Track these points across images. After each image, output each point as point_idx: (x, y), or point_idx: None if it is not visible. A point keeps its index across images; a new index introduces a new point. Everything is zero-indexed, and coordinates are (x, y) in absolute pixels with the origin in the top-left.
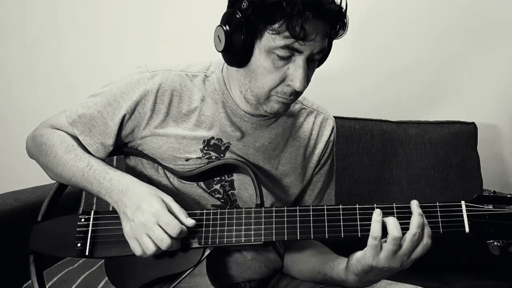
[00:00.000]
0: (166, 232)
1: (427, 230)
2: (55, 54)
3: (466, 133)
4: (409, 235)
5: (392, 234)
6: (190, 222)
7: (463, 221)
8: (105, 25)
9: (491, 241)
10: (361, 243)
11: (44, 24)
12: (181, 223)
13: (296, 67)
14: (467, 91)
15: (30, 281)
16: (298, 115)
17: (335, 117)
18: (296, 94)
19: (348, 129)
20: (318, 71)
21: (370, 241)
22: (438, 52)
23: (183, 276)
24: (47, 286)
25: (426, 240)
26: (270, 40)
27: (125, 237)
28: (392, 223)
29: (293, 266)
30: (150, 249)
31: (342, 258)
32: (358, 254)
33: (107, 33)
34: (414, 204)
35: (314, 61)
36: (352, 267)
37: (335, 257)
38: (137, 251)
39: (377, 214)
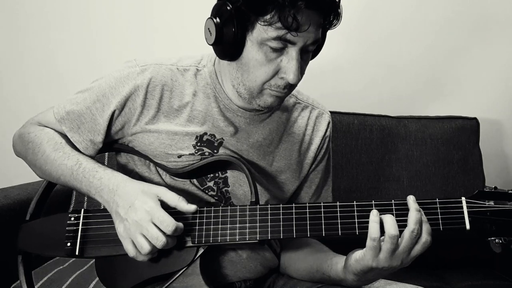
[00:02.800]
0: (161, 230)
1: (426, 227)
2: (44, 48)
3: (468, 128)
4: (407, 231)
5: (389, 232)
6: (192, 207)
7: (463, 217)
8: (96, 18)
9: (493, 238)
10: (360, 240)
11: (33, 18)
12: (182, 211)
13: (289, 59)
14: (469, 86)
15: (19, 281)
16: (293, 110)
17: (333, 112)
18: (290, 87)
19: (347, 125)
20: (315, 65)
21: (369, 242)
22: (439, 45)
23: (176, 276)
24: (36, 286)
25: (425, 238)
26: (262, 32)
27: (116, 236)
28: (389, 221)
29: (290, 265)
30: (145, 248)
31: (340, 257)
32: (357, 255)
33: (98, 27)
34: (411, 200)
35: (308, 53)
36: (351, 267)
37: (333, 256)
38: (131, 252)
39: (374, 215)
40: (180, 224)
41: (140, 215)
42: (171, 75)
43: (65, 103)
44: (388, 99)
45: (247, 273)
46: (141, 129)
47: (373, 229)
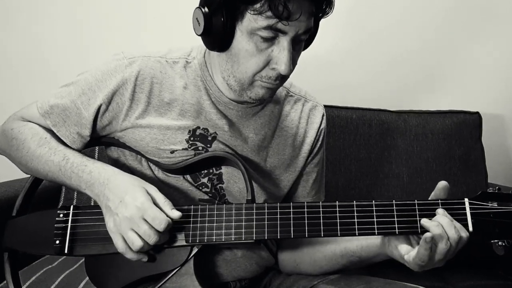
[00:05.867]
0: (152, 227)
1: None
2: (30, 39)
3: (470, 123)
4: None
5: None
6: (175, 214)
7: (466, 219)
8: (84, 8)
9: (496, 240)
10: None
11: (19, 8)
12: (166, 215)
13: (281, 49)
14: (471, 79)
15: (5, 281)
16: (285, 103)
17: (331, 107)
18: (282, 78)
19: (345, 119)
20: (313, 58)
21: (418, 261)
22: (440, 37)
23: (169, 276)
24: (24, 287)
25: (463, 234)
26: (252, 21)
27: (107, 234)
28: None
29: (304, 259)
30: (136, 244)
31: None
32: (404, 255)
33: (87, 17)
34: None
35: (300, 43)
36: (393, 256)
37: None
38: (121, 247)
39: (427, 242)
40: (171, 220)
41: (131, 211)
42: (160, 67)
43: (49, 97)
44: (387, 93)
45: (242, 273)
46: (131, 124)
47: (424, 256)
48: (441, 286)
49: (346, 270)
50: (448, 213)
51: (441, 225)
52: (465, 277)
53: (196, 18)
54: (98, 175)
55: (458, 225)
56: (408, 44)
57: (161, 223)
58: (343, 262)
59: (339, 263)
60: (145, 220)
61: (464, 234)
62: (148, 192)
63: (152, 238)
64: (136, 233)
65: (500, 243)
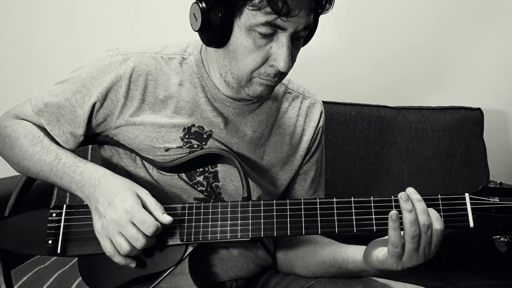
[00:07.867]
0: (140, 231)
1: (433, 213)
2: (26, 38)
3: (471, 119)
4: (420, 226)
5: (409, 232)
6: (166, 219)
7: (467, 215)
8: (78, 4)
9: (498, 236)
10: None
11: (14, 6)
12: (157, 219)
13: (280, 46)
14: (472, 75)
15: None
16: (283, 100)
17: (329, 103)
18: (281, 75)
19: (343, 116)
20: (311, 53)
21: (391, 249)
22: (441, 32)
23: (163, 276)
24: (15, 287)
25: (438, 225)
26: (251, 17)
27: None
28: (410, 220)
29: (297, 263)
30: (124, 248)
31: (356, 248)
32: (379, 255)
33: (80, 13)
34: (411, 190)
35: (299, 39)
36: (372, 264)
37: (346, 248)
38: (109, 250)
39: (393, 220)
40: (160, 224)
41: (119, 214)
42: (155, 64)
43: (44, 95)
44: (387, 88)
45: (239, 272)
46: (125, 121)
47: (394, 237)
48: (441, 286)
49: (340, 277)
50: (448, 208)
51: (415, 208)
52: (466, 277)
53: (193, 14)
54: (89, 176)
55: (434, 215)
56: (409, 40)
57: (149, 227)
58: (332, 271)
59: (329, 272)
60: (133, 224)
61: (439, 226)
62: (138, 196)
63: (139, 242)
64: (124, 236)
65: (502, 239)
